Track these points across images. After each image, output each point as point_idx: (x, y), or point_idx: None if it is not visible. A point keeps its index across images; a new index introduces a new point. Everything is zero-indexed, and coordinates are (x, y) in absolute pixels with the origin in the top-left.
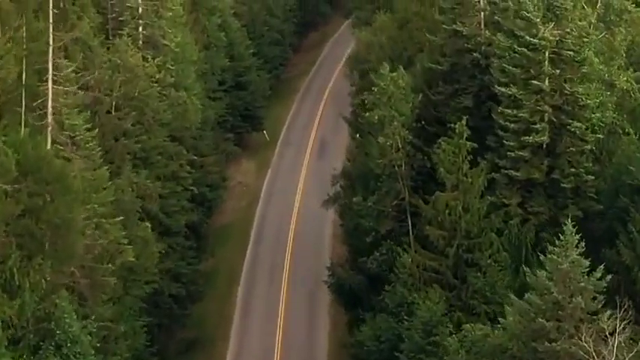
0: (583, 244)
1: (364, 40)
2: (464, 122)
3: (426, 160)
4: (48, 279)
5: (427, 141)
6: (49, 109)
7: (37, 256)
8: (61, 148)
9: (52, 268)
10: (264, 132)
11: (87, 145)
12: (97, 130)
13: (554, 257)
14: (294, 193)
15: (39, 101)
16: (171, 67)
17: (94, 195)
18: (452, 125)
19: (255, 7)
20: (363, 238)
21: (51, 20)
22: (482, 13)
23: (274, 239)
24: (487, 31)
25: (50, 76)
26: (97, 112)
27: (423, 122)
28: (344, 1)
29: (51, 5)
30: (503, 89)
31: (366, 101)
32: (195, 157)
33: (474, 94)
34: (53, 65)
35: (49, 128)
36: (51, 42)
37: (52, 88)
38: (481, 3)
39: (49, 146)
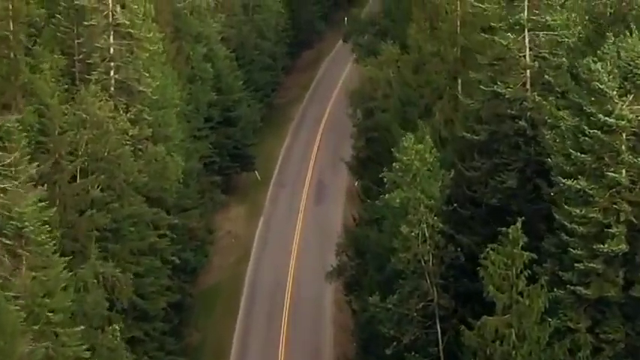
0: None
1: (369, 74)
2: (519, 226)
3: (459, 253)
4: None
5: (459, 226)
6: None
7: None
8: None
9: None
10: (256, 172)
11: (39, 239)
12: (54, 209)
13: None
14: (289, 247)
15: None
16: (147, 118)
17: (48, 300)
18: (504, 230)
19: (245, 30)
20: (381, 348)
21: None
22: (528, 71)
23: (267, 307)
24: (535, 93)
25: None
26: (56, 182)
27: (454, 204)
28: (340, 17)
29: None
30: (568, 182)
31: (385, 179)
32: (177, 222)
33: (519, 170)
34: None
35: None
36: None
37: None
38: (527, 58)
39: None
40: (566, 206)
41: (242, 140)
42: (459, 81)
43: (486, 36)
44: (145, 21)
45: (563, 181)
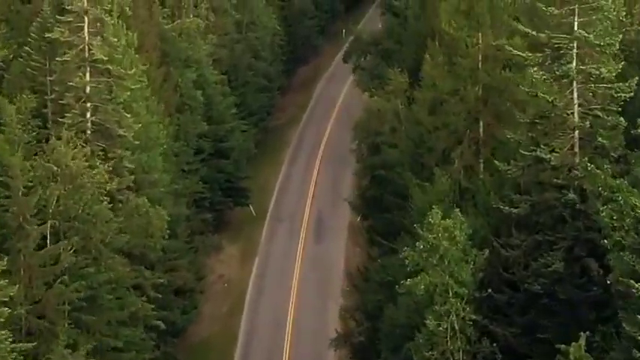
0: None
1: (375, 106)
2: (582, 344)
3: (494, 348)
4: None
5: (494, 315)
6: None
7: None
8: None
9: None
10: (250, 206)
11: None
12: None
13: None
14: (287, 294)
15: None
16: (129, 166)
17: None
18: (562, 347)
19: (238, 50)
20: None
21: None
22: (576, 132)
23: None
24: (585, 159)
25: None
26: (20, 250)
27: (488, 290)
28: (337, 28)
29: None
30: (632, 282)
31: (407, 260)
32: (163, 280)
33: (565, 249)
34: None
35: None
36: None
37: None
38: (575, 116)
39: None
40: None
41: (235, 173)
42: (481, 123)
43: (511, 74)
44: (126, 54)
45: (626, 281)
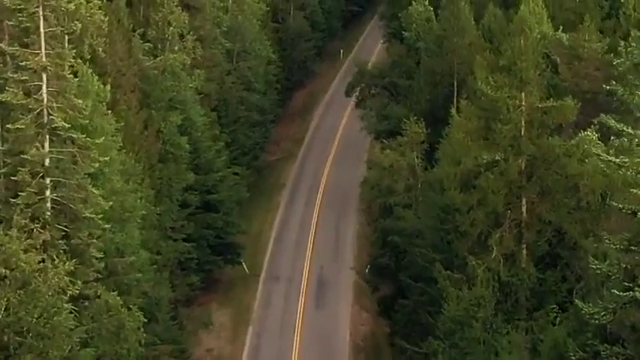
0: None
1: (387, 160)
2: None
3: None
4: None
5: None
6: None
7: None
8: None
9: None
10: (243, 263)
11: None
12: None
13: None
14: None
15: None
16: (97, 256)
17: None
18: None
19: (228, 82)
20: None
21: None
22: None
23: None
24: None
25: None
26: None
27: None
28: (335, 47)
29: None
30: None
31: None
32: None
33: None
34: None
35: None
36: None
37: None
38: None
39: None
40: None
41: (226, 228)
42: (524, 201)
43: (561, 142)
44: (95, 112)
45: None
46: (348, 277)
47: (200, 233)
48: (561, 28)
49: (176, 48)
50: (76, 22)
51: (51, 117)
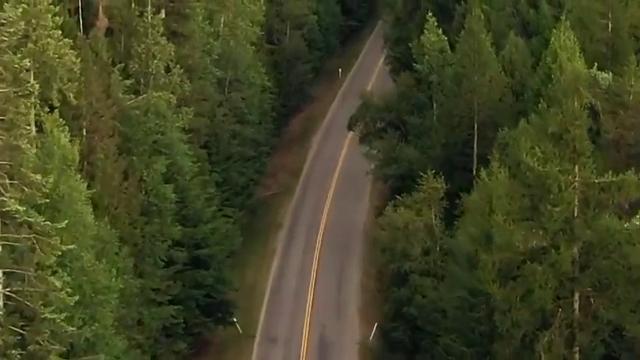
0: None
1: (401, 220)
2: None
3: None
4: None
5: None
6: None
7: None
8: None
9: None
10: (236, 322)
11: None
12: None
13: None
14: None
15: None
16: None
17: None
18: None
19: (219, 115)
20: None
21: None
22: None
23: None
24: None
25: None
26: None
27: None
28: (333, 66)
29: None
30: None
31: None
32: None
33: None
34: None
35: None
36: None
37: None
38: None
39: None
40: None
41: (216, 286)
42: (576, 296)
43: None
44: (59, 185)
45: None
46: (352, 337)
47: (188, 293)
48: (596, 65)
49: (161, 83)
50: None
51: (3, 197)
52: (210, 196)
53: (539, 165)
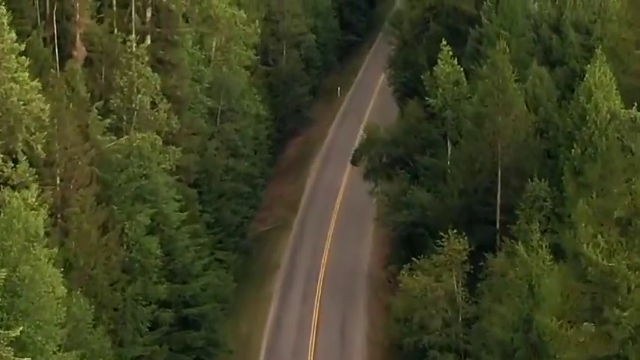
0: None
1: (418, 287)
2: None
3: None
4: None
5: None
6: None
7: None
8: None
9: None
10: None
11: None
12: None
13: None
14: None
15: None
16: None
17: None
18: None
19: (211, 148)
20: None
21: None
22: None
23: None
24: None
25: None
26: None
27: None
28: (332, 83)
29: None
30: None
31: None
32: None
33: None
34: None
35: None
36: None
37: None
38: None
39: None
40: None
41: (207, 348)
42: None
43: None
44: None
45: None
46: None
47: (175, 359)
48: (635, 105)
49: (146, 120)
50: None
51: None
52: (201, 247)
53: (602, 259)
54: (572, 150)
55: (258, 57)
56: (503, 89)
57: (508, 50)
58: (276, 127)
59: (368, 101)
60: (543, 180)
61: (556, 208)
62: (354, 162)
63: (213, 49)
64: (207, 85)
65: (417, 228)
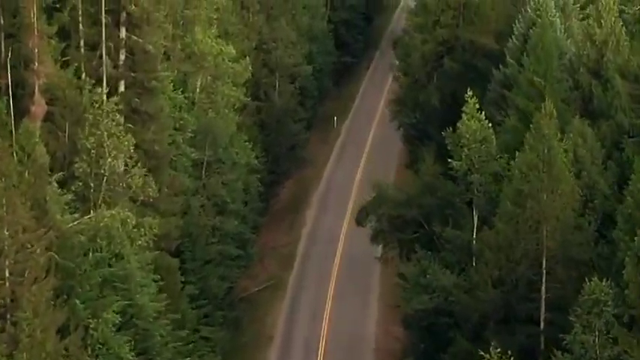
0: None
1: None
2: None
3: None
4: None
5: None
6: None
7: None
8: None
9: None
10: None
11: None
12: None
13: None
14: None
15: None
16: None
17: None
18: None
19: (196, 206)
20: None
21: None
22: None
23: None
24: None
25: None
26: None
27: None
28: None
29: None
30: None
31: None
32: None
33: None
34: None
35: None
36: None
37: None
38: None
39: None
40: None
41: None
42: None
43: None
44: None
45: None
46: None
47: None
48: None
49: (118, 186)
50: None
51: None
52: (184, 342)
53: None
54: (636, 238)
55: (249, 98)
56: (550, 163)
57: (555, 113)
58: (268, 169)
59: (367, 132)
60: (605, 278)
61: (616, 309)
62: (359, 222)
63: (198, 89)
64: (191, 134)
65: (439, 314)
